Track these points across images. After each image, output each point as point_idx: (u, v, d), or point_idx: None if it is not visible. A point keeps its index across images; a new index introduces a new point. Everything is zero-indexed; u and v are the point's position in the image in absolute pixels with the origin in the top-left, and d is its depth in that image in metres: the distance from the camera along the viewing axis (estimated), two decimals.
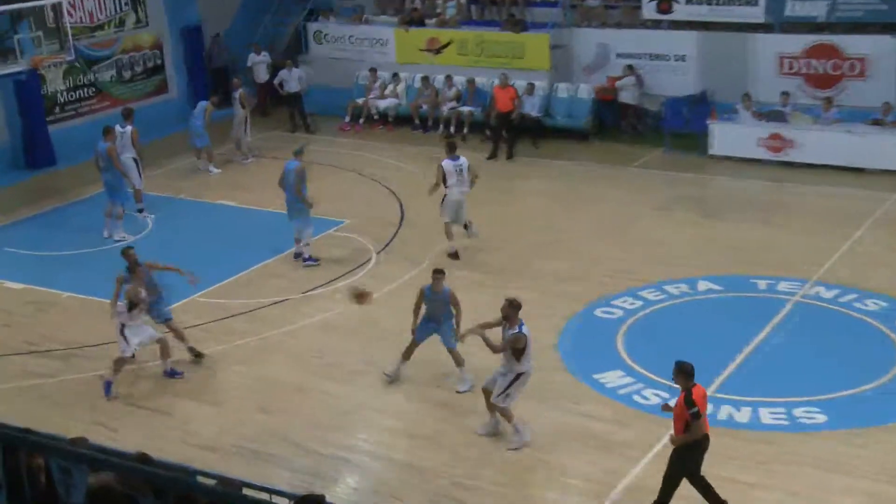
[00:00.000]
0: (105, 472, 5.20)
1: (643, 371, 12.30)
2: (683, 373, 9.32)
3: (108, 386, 12.19)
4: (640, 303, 14.15)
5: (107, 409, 12.04)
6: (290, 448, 11.04)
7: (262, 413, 11.82)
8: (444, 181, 15.52)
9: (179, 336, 13.01)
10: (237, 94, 21.25)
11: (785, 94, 19.98)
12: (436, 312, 12.00)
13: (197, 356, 13.01)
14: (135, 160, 17.91)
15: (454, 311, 11.97)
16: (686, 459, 9.43)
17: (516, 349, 10.60)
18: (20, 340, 13.80)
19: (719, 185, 19.37)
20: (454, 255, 15.61)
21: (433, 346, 12.86)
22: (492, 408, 11.02)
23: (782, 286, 14.44)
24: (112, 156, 16.97)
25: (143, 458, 6.85)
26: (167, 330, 12.92)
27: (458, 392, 11.96)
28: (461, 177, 15.56)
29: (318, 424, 11.53)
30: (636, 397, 11.77)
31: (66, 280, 15.66)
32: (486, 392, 11.03)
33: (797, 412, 11.30)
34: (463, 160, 15.66)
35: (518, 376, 10.78)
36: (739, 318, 13.67)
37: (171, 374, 12.65)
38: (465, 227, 15.89)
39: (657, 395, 11.73)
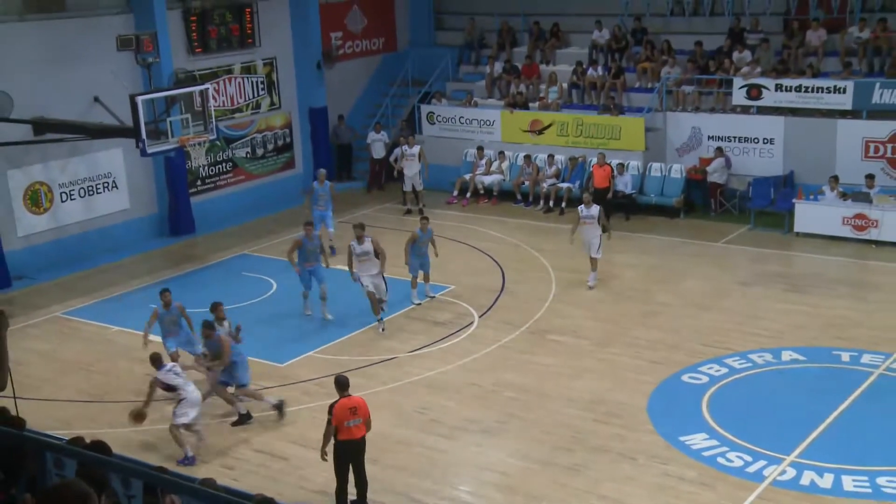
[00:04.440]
0: None
1: (726, 434, 12.07)
2: (337, 384, 10.66)
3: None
4: (725, 370, 13.91)
5: (231, 453, 12.38)
6: (396, 497, 11.13)
7: (370, 464, 11.88)
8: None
9: (254, 396, 13.26)
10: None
11: (870, 176, 19.54)
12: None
13: (280, 410, 13.14)
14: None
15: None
16: (335, 459, 10.61)
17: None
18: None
19: (803, 262, 18.92)
20: None
21: (536, 405, 12.84)
22: None
23: (865, 359, 14.02)
24: (182, 312, 14.96)
25: (265, 501, 7.03)
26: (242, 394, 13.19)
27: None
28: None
29: (423, 476, 11.61)
30: (720, 459, 11.54)
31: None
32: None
33: (881, 481, 10.89)
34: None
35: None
36: (822, 387, 13.31)
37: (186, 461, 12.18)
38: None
39: (740, 457, 11.51)
